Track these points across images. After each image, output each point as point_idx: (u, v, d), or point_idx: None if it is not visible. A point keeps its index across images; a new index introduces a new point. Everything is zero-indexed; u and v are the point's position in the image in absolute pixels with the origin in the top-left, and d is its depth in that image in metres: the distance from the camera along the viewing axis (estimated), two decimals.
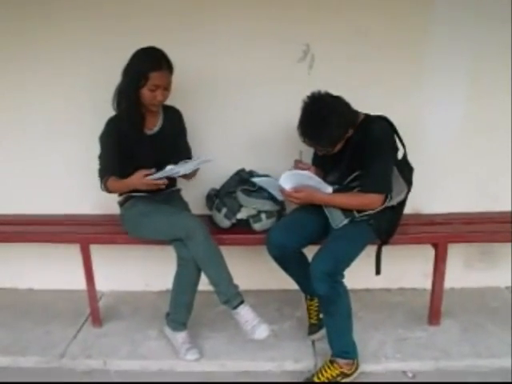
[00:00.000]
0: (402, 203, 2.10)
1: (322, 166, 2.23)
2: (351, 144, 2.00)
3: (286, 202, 2.35)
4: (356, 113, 1.99)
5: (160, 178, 2.01)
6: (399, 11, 2.33)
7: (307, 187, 2.00)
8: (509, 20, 2.33)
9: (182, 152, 2.34)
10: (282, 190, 2.03)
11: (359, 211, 2.02)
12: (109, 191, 2.14)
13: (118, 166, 2.12)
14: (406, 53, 2.38)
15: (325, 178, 2.14)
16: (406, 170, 2.06)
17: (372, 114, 2.04)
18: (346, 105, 1.95)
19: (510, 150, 2.51)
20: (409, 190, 2.08)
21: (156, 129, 2.21)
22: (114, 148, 2.10)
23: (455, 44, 2.38)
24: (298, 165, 2.14)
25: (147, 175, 1.99)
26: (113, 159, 2.11)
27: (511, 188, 2.55)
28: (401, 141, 2.05)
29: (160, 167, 2.18)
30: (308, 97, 1.94)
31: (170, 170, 2.01)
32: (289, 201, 2.10)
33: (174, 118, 2.28)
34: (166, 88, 2.07)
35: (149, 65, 2.00)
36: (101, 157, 2.13)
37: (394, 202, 2.05)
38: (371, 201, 1.98)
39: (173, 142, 2.25)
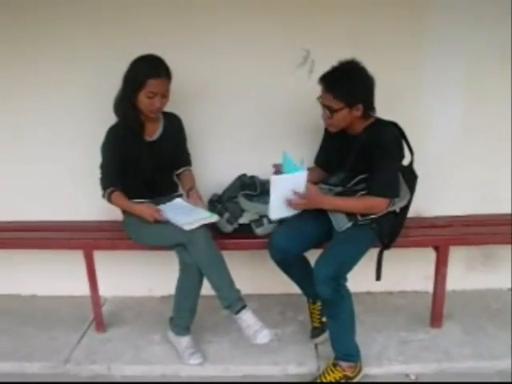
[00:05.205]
0: (405, 210, 2.11)
1: (326, 166, 2.23)
2: (358, 144, 2.00)
3: None
4: (373, 102, 2.00)
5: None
6: (398, 16, 2.34)
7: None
8: (506, 21, 2.34)
9: (182, 159, 2.36)
10: (290, 201, 1.97)
11: (362, 215, 2.03)
12: (111, 203, 2.16)
13: (119, 175, 2.14)
14: (404, 57, 2.40)
15: (328, 179, 2.14)
16: (410, 177, 2.06)
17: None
18: (371, 80, 1.97)
19: (510, 153, 2.52)
20: (411, 198, 2.08)
21: (156, 136, 2.22)
22: (115, 157, 2.12)
23: (453, 47, 2.39)
24: (277, 168, 2.06)
25: (157, 211, 2.07)
26: (114, 169, 2.13)
27: None
28: (409, 148, 2.05)
29: (159, 174, 2.23)
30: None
31: (177, 220, 2.05)
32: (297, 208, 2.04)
33: (174, 124, 2.29)
34: (164, 95, 2.08)
35: (147, 71, 2.01)
36: (102, 166, 2.14)
37: (397, 207, 2.06)
38: (376, 204, 1.99)
39: (173, 148, 2.27)
